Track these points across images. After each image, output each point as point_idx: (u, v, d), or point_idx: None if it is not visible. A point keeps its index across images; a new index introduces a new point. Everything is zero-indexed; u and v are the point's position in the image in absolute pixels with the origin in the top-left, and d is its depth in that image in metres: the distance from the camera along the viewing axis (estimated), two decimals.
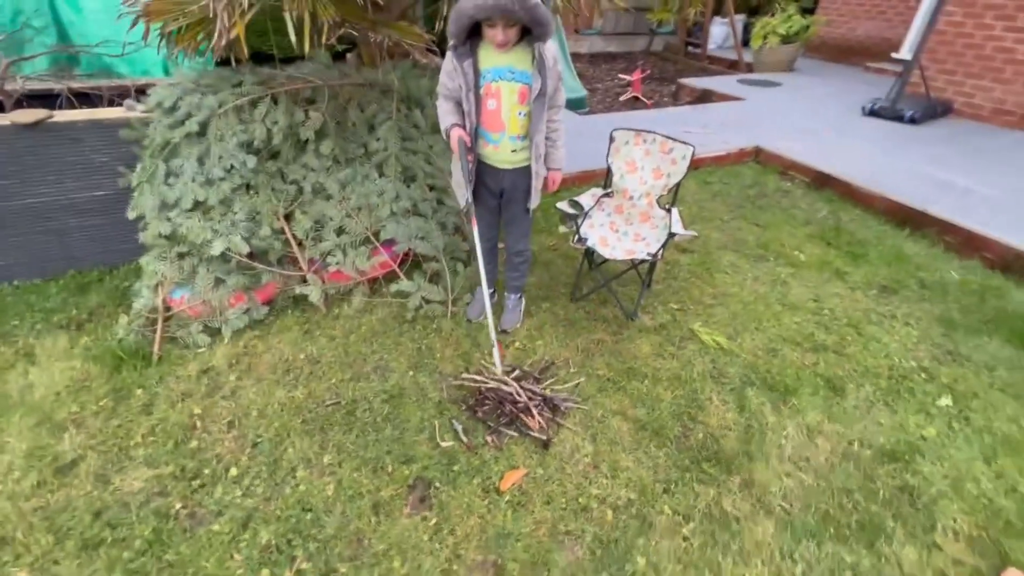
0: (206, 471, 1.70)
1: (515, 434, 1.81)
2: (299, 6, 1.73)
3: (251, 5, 1.67)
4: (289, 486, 1.66)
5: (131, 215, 2.28)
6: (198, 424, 1.86)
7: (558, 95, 1.85)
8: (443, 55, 1.89)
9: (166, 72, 3.32)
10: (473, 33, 1.68)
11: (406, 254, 2.48)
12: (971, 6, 4.71)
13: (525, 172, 1.94)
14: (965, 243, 2.92)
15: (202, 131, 2.20)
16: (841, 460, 1.75)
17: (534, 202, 2.02)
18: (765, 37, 6.80)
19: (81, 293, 2.49)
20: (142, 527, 1.53)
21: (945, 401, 1.97)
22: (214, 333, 2.23)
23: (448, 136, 1.83)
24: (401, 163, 2.50)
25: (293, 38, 1.73)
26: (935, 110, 4.84)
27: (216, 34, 1.89)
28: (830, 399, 1.97)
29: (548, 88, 1.74)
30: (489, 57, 1.73)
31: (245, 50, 1.81)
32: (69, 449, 1.75)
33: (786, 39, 6.72)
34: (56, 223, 2.46)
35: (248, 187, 2.29)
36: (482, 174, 1.95)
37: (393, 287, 2.37)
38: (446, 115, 1.84)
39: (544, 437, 1.78)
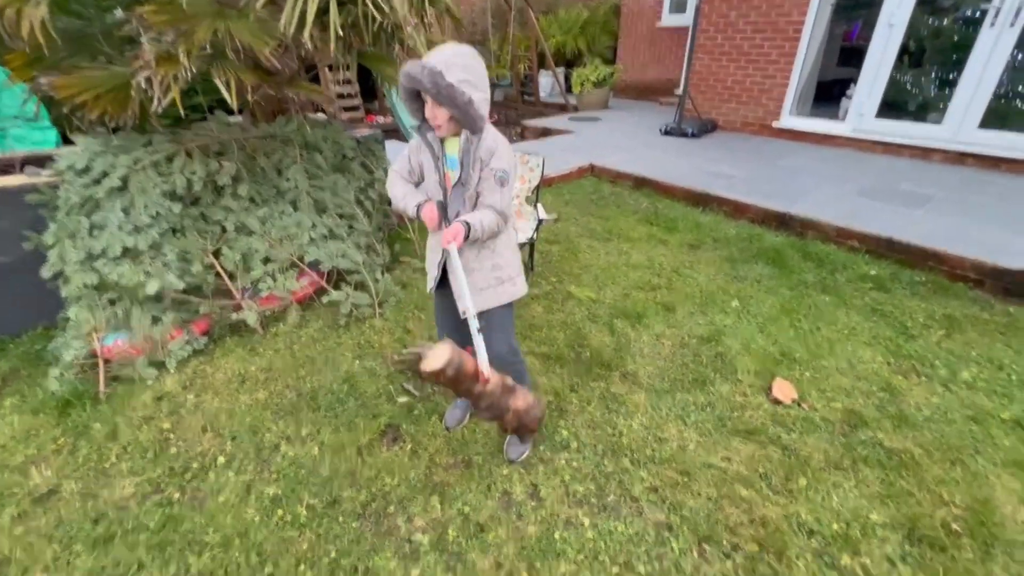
0: (194, 465, 1.92)
1: None
2: (226, 74, 2.16)
3: (186, 73, 2.06)
4: (277, 458, 1.96)
5: (47, 273, 2.37)
6: (171, 436, 2.05)
7: (490, 196, 1.56)
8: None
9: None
10: None
11: (330, 272, 2.88)
12: (711, 53, 6.53)
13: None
14: (735, 210, 4.16)
15: (124, 185, 2.42)
16: (679, 348, 2.55)
17: (460, 305, 1.71)
18: (582, 84, 8.38)
19: None
20: (149, 516, 1.72)
21: (735, 303, 2.93)
22: (159, 366, 2.38)
23: (419, 215, 1.60)
24: (312, 198, 2.92)
25: (228, 97, 2.14)
26: (706, 127, 6.52)
27: (133, 102, 2.25)
28: (667, 316, 2.81)
29: (469, 180, 1.54)
30: (448, 144, 1.58)
31: (182, 110, 2.16)
32: (41, 483, 1.84)
33: (598, 84, 8.36)
34: None
35: (174, 231, 2.53)
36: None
37: (325, 299, 2.74)
38: (408, 195, 1.63)
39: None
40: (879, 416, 2.10)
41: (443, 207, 1.62)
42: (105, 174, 2.43)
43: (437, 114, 1.47)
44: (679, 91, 7.16)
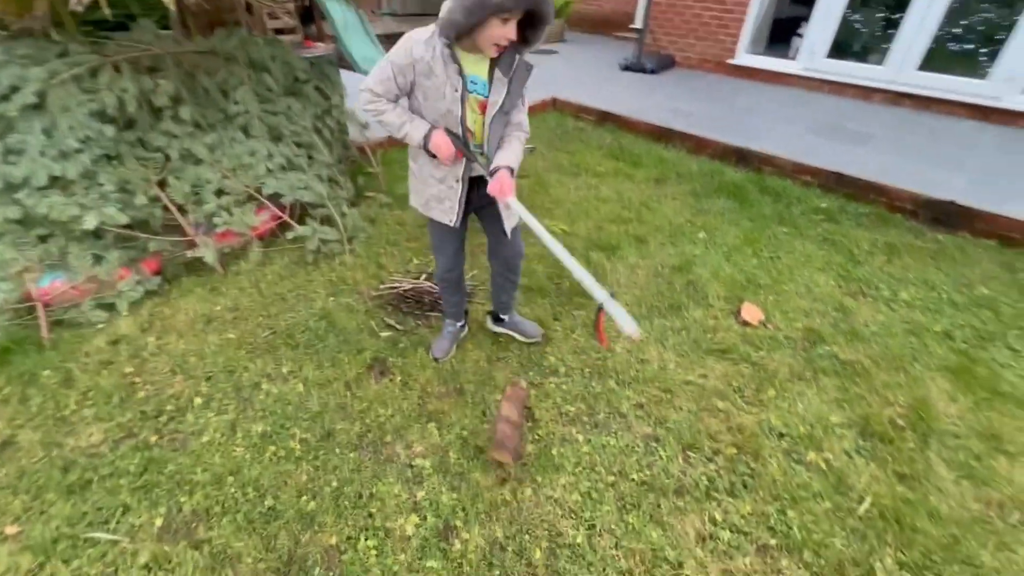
0: (168, 408, 1.81)
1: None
2: None
3: None
4: (259, 396, 1.88)
5: None
6: (136, 380, 1.91)
7: (518, 115, 1.55)
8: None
9: None
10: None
11: (292, 207, 2.68)
12: None
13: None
14: (697, 146, 4.22)
15: (41, 103, 2.08)
16: (653, 277, 2.63)
17: (508, 225, 1.73)
18: None
19: None
20: (127, 461, 1.62)
21: (702, 235, 3.03)
22: (109, 309, 2.18)
23: (426, 144, 1.46)
24: (265, 124, 2.66)
25: None
26: (665, 62, 6.45)
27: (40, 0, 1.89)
28: (639, 247, 2.87)
29: (507, 104, 1.46)
30: (464, 64, 1.41)
31: (108, 12, 1.84)
32: None
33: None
34: None
35: (110, 158, 2.23)
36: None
37: (289, 235, 2.57)
38: (408, 123, 1.47)
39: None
40: (834, 332, 2.29)
41: (454, 135, 1.48)
42: (15, 89, 2.07)
43: (509, 34, 1.31)
44: (635, 25, 6.99)
